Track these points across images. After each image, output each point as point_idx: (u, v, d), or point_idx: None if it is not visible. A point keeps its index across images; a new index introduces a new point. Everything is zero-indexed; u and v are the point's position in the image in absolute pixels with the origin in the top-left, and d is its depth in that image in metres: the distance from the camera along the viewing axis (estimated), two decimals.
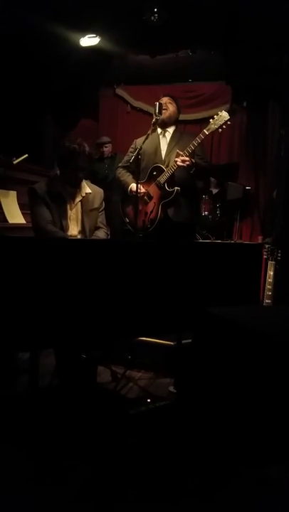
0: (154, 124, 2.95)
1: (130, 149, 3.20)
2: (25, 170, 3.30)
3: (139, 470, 1.70)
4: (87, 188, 2.45)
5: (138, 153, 2.74)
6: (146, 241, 2.88)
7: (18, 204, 3.12)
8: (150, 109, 5.00)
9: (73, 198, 2.41)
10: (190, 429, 1.50)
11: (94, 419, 2.03)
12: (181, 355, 2.48)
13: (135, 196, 2.88)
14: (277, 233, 3.21)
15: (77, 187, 2.41)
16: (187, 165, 2.89)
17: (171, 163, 2.97)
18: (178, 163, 2.88)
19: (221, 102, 5.01)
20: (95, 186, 2.53)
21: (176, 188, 2.98)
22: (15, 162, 3.22)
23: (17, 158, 3.24)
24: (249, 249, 2.38)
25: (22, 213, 3.09)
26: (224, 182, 4.88)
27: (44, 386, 2.17)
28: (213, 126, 2.86)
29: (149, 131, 2.90)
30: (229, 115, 2.87)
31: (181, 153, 2.88)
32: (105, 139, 5.12)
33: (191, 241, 3.33)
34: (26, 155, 3.29)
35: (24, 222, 3.04)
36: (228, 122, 2.87)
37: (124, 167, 3.23)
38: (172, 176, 2.96)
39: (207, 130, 2.86)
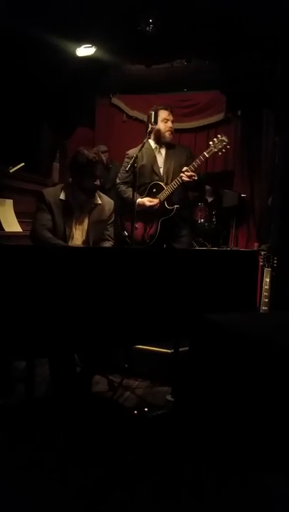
0: (150, 133, 2.97)
1: (125, 163, 3.18)
2: (21, 178, 3.32)
3: (138, 475, 1.68)
4: (98, 198, 2.42)
5: (134, 161, 2.75)
6: (142, 249, 2.89)
7: (15, 212, 3.13)
8: (146, 118, 5.03)
9: (82, 208, 2.38)
10: (188, 437, 1.49)
11: (90, 429, 2.01)
12: (178, 363, 2.47)
13: (138, 210, 2.91)
14: (273, 240, 3.23)
15: (92, 195, 2.39)
16: (193, 180, 2.95)
17: (171, 181, 3.03)
18: (183, 178, 2.93)
19: (216, 111, 5.04)
20: (106, 197, 2.49)
21: (175, 206, 3.03)
22: (11, 171, 3.24)
23: (13, 166, 3.26)
24: (245, 256, 2.39)
25: (18, 222, 3.09)
26: (219, 190, 4.90)
27: (41, 395, 2.15)
28: (213, 149, 2.95)
29: (145, 140, 2.93)
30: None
31: (187, 168, 2.94)
32: (103, 147, 5.14)
33: (188, 249, 3.33)
34: (23, 163, 3.31)
35: (21, 230, 3.04)
36: (228, 146, 3.00)
37: (124, 183, 3.20)
38: (172, 194, 3.01)
39: (207, 153, 2.94)
